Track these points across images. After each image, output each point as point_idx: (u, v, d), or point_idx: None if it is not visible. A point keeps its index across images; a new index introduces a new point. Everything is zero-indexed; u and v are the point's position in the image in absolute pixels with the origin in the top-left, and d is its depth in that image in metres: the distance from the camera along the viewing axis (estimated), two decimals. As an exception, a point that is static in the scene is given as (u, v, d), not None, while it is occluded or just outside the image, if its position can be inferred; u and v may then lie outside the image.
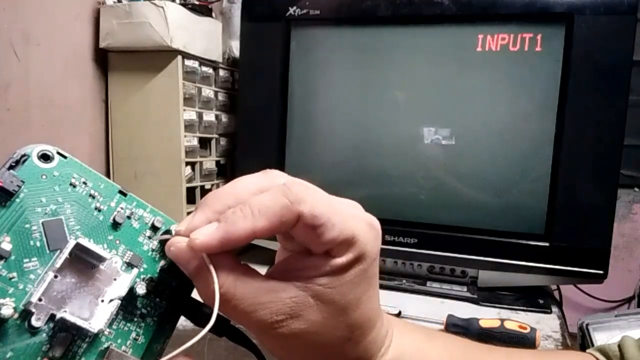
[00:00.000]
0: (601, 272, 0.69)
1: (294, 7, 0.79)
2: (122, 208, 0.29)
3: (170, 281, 0.29)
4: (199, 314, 0.30)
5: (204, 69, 0.84)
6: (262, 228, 0.25)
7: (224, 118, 0.90)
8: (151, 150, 0.80)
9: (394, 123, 0.78)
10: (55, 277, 0.26)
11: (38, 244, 0.26)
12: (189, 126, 0.80)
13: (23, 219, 0.26)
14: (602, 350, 0.40)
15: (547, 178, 0.71)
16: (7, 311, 0.24)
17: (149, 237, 0.30)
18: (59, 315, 0.25)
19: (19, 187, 0.26)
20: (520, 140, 0.73)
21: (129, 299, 0.28)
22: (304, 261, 0.27)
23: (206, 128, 0.85)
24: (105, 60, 0.81)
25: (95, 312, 0.26)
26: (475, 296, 0.73)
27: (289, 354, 0.28)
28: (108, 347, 0.27)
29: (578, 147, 0.68)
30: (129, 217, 0.29)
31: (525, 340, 0.56)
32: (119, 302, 0.27)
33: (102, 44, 0.78)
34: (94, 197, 0.28)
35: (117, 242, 0.28)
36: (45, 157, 0.27)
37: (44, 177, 0.27)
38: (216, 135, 0.88)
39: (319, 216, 0.25)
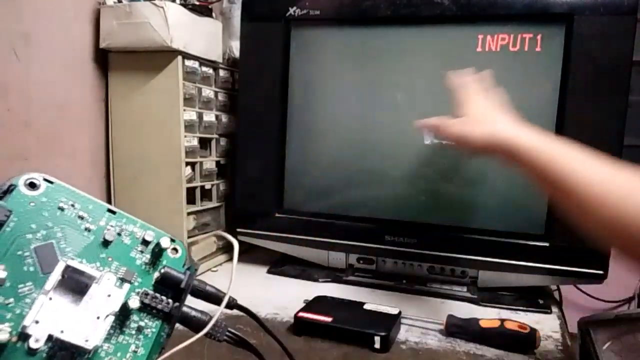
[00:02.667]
0: (601, 272, 0.69)
1: (294, 7, 0.79)
2: (111, 226, 0.30)
3: (165, 292, 0.30)
4: (194, 321, 0.31)
5: (204, 69, 0.84)
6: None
7: (224, 118, 0.90)
8: (151, 150, 0.79)
9: (394, 123, 0.78)
10: (50, 298, 0.27)
11: (32, 268, 0.27)
12: (189, 126, 0.80)
13: (15, 247, 0.27)
14: None
15: (547, 178, 0.71)
16: (3, 336, 0.25)
17: (141, 252, 0.31)
18: (55, 335, 0.26)
19: (7, 216, 0.27)
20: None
21: (125, 313, 0.29)
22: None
23: (206, 128, 0.85)
24: (105, 60, 0.81)
25: (91, 330, 0.27)
26: (475, 296, 0.73)
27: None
28: None
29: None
30: (119, 234, 0.30)
31: (525, 340, 0.56)
32: (113, 317, 0.28)
33: (102, 44, 0.78)
34: (83, 219, 0.29)
35: (110, 259, 0.29)
36: (32, 185, 0.29)
37: (32, 204, 0.28)
38: (216, 136, 0.88)
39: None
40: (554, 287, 0.89)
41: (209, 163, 0.87)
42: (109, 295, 0.28)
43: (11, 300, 0.26)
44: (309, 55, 0.82)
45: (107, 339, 0.28)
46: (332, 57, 0.82)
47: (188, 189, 0.81)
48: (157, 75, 0.78)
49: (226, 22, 0.93)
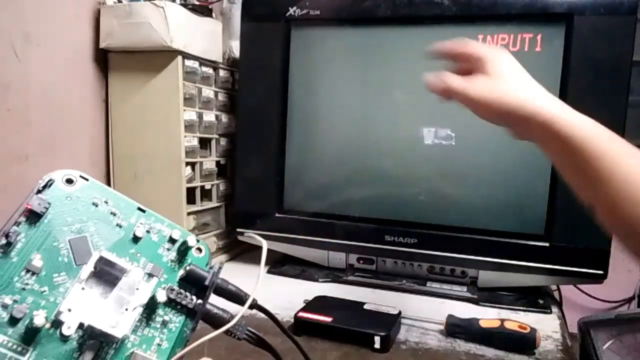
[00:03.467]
0: (601, 272, 0.69)
1: (294, 7, 0.79)
2: (141, 223, 0.32)
3: (189, 288, 0.32)
4: (216, 319, 0.32)
5: (204, 69, 0.84)
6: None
7: (224, 118, 0.90)
8: (151, 150, 0.79)
9: (394, 123, 0.78)
10: (82, 288, 0.28)
11: (66, 259, 0.29)
12: (189, 126, 0.80)
13: (51, 238, 0.29)
14: None
15: (547, 178, 0.71)
16: (40, 320, 0.27)
17: (168, 249, 0.32)
18: (87, 323, 0.28)
19: (46, 208, 0.29)
20: (520, 140, 0.72)
21: (151, 307, 0.30)
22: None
23: (206, 128, 0.85)
24: (105, 60, 0.81)
25: (119, 320, 0.28)
26: (475, 296, 0.73)
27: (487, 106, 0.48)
28: (133, 352, 0.29)
29: (578, 147, 0.68)
30: (148, 232, 0.32)
31: (525, 340, 0.56)
32: (141, 309, 0.29)
33: (102, 44, 0.78)
34: (115, 215, 0.31)
35: (138, 254, 0.31)
36: (69, 181, 0.31)
37: (68, 199, 0.30)
38: (216, 136, 0.88)
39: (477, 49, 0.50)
40: (554, 287, 0.89)
41: (209, 163, 0.87)
42: (138, 289, 0.30)
43: (45, 288, 0.28)
44: (309, 55, 0.82)
45: (134, 331, 0.29)
46: (332, 57, 0.82)
47: (188, 189, 0.81)
48: (157, 75, 0.78)
49: (226, 22, 0.93)
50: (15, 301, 0.27)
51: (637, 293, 1.57)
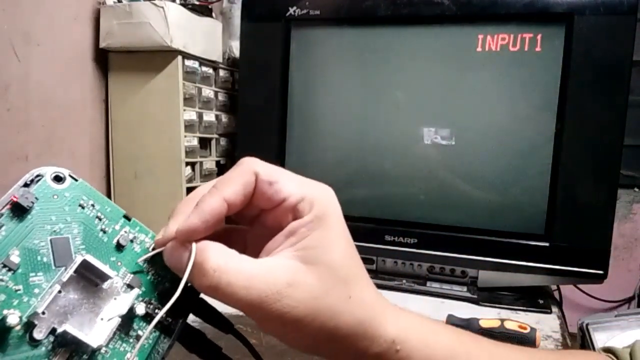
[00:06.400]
0: (601, 272, 0.68)
1: (294, 7, 0.79)
2: (125, 232, 0.30)
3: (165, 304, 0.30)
4: (195, 337, 0.31)
5: (204, 69, 0.84)
6: (230, 193, 0.27)
7: (224, 118, 0.90)
8: (151, 150, 0.79)
9: (393, 123, 0.78)
10: (60, 292, 0.27)
11: (45, 259, 0.27)
12: (189, 126, 0.80)
13: (33, 235, 0.27)
14: (614, 353, 0.40)
15: (547, 178, 0.71)
16: (14, 320, 0.25)
17: (148, 262, 0.31)
18: (60, 329, 0.26)
19: (33, 203, 0.28)
20: (520, 140, 0.73)
21: (127, 319, 0.28)
22: (280, 236, 0.28)
23: (206, 128, 0.85)
24: (105, 60, 0.82)
25: (93, 329, 0.27)
26: (475, 296, 0.73)
27: (295, 329, 0.27)
28: None
29: (578, 147, 0.68)
30: (131, 241, 0.30)
31: (525, 340, 0.56)
32: (119, 320, 0.27)
33: (102, 44, 0.78)
34: (100, 219, 0.30)
35: (119, 263, 0.29)
36: (57, 179, 0.29)
37: (55, 197, 0.29)
38: (216, 135, 0.88)
39: (273, 173, 0.28)
40: (554, 287, 0.89)
41: (209, 163, 0.87)
42: (115, 299, 0.28)
43: (20, 287, 0.26)
44: (309, 55, 0.82)
45: (107, 342, 0.28)
46: (332, 57, 0.82)
47: (188, 189, 0.81)
48: (157, 75, 0.78)
49: (226, 22, 0.93)
50: None
51: (637, 293, 1.57)
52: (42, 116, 0.72)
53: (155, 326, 0.29)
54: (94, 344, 0.26)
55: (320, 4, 0.78)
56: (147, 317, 0.29)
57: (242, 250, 0.28)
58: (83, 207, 0.29)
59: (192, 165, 0.82)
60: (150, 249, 0.31)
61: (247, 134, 0.85)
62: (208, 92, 0.85)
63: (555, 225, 0.70)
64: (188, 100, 0.80)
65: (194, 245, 0.27)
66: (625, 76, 0.66)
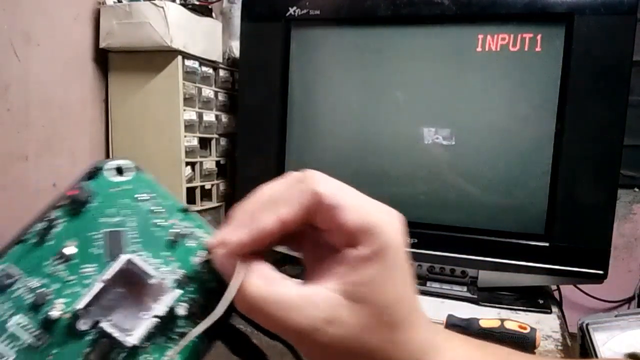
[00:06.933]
0: (601, 272, 0.68)
1: (294, 7, 0.79)
2: (181, 227, 0.30)
3: (214, 304, 0.29)
4: (237, 341, 0.30)
5: (204, 69, 0.84)
6: (286, 214, 0.25)
7: (224, 118, 0.90)
8: (151, 150, 0.80)
9: (394, 123, 0.78)
10: (106, 286, 0.27)
11: (98, 252, 0.28)
12: (189, 126, 0.80)
13: (89, 227, 0.28)
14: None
15: (547, 178, 0.71)
16: (56, 313, 0.26)
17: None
18: (101, 323, 0.27)
19: (90, 197, 0.28)
20: (520, 140, 0.73)
21: (171, 317, 0.28)
22: (331, 261, 0.26)
23: (206, 128, 0.85)
24: (105, 60, 0.81)
25: (136, 325, 0.27)
26: (475, 296, 0.73)
27: None
28: None
29: (578, 147, 0.68)
30: (187, 237, 0.30)
31: (525, 340, 0.56)
32: (158, 319, 0.27)
33: (102, 44, 0.78)
34: (156, 213, 0.30)
35: (171, 259, 0.29)
36: (118, 171, 0.30)
37: (113, 189, 0.29)
38: (216, 135, 0.88)
39: (337, 196, 0.25)
40: (554, 287, 0.89)
41: (209, 163, 0.87)
42: (162, 296, 0.28)
43: (73, 278, 0.27)
44: (309, 55, 0.82)
45: (148, 338, 0.28)
46: (332, 57, 0.82)
47: (188, 189, 0.81)
48: (157, 75, 0.78)
49: (226, 22, 0.93)
50: (41, 285, 0.27)
51: (637, 293, 1.57)
52: (42, 116, 0.72)
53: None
54: (128, 343, 0.27)
55: (320, 4, 0.78)
56: (191, 317, 0.29)
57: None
58: (141, 200, 0.30)
59: (192, 165, 0.82)
60: (204, 250, 0.30)
61: (247, 134, 0.85)
62: (208, 92, 0.85)
63: (555, 225, 0.70)
64: (188, 100, 0.80)
65: (238, 264, 0.26)
66: (625, 76, 0.66)
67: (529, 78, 0.72)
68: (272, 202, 0.26)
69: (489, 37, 0.72)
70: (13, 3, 0.67)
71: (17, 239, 0.28)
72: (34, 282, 0.27)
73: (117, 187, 0.29)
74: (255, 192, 0.29)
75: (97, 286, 0.27)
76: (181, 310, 0.28)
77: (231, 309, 0.28)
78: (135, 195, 0.30)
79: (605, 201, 0.68)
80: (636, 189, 1.64)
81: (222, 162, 0.91)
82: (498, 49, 0.71)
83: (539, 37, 0.70)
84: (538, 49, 0.70)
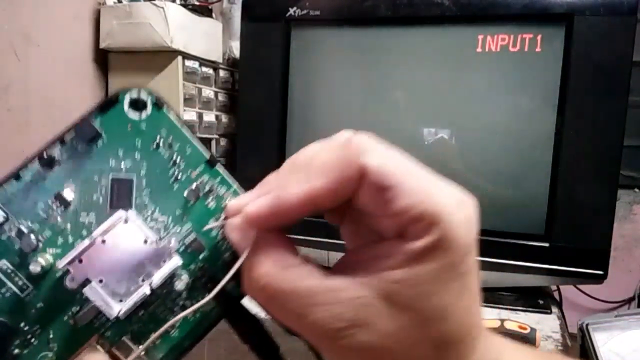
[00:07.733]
0: (601, 272, 0.68)
1: (294, 8, 0.79)
2: (202, 181, 0.25)
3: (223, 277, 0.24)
4: (247, 325, 0.26)
5: (204, 69, 0.84)
6: (319, 188, 0.20)
7: (224, 118, 0.90)
8: (151, 151, 0.80)
9: (394, 123, 0.78)
10: (103, 241, 0.23)
11: (101, 199, 0.24)
12: (189, 126, 0.81)
13: (93, 170, 0.24)
14: None
15: (547, 178, 0.71)
16: (36, 267, 0.23)
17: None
18: (91, 282, 0.23)
19: (100, 133, 0.24)
20: (520, 140, 0.73)
21: (171, 288, 0.24)
22: (372, 249, 0.20)
23: (206, 128, 0.85)
24: (105, 60, 0.82)
25: (131, 291, 0.23)
26: (475, 296, 0.73)
27: None
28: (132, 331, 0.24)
29: (578, 147, 0.68)
30: (206, 194, 0.25)
31: (525, 341, 0.56)
32: (146, 293, 0.23)
33: (102, 45, 0.78)
34: (175, 162, 0.25)
35: (184, 218, 0.24)
36: (136, 106, 0.24)
37: (129, 127, 0.24)
38: (216, 136, 0.88)
39: (388, 173, 0.19)
40: (554, 287, 0.89)
41: (209, 163, 0.87)
42: (164, 261, 0.23)
43: (68, 225, 0.23)
44: (309, 55, 0.82)
45: (146, 306, 0.24)
46: (332, 57, 0.82)
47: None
48: (157, 76, 0.78)
49: (226, 23, 0.93)
50: (32, 230, 0.23)
51: (637, 293, 1.57)
52: (42, 116, 0.72)
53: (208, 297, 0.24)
54: (111, 314, 0.23)
55: (320, 4, 0.78)
56: (197, 290, 0.24)
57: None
58: (158, 145, 0.24)
59: (192, 165, 0.82)
60: (224, 210, 0.25)
61: (247, 134, 0.85)
62: (208, 92, 0.85)
63: (555, 225, 0.70)
64: (188, 101, 0.80)
65: (251, 239, 0.22)
66: (625, 76, 0.66)
67: (528, 79, 0.72)
68: (306, 168, 0.21)
69: (489, 37, 0.72)
70: (13, 3, 0.67)
71: (11, 174, 0.24)
72: (23, 227, 0.23)
73: (134, 125, 0.24)
74: (298, 152, 0.24)
75: (83, 243, 0.23)
76: (179, 284, 0.24)
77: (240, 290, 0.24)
78: (155, 139, 0.24)
79: (605, 202, 0.68)
80: (636, 190, 1.64)
81: (222, 162, 0.91)
82: (498, 49, 0.71)
83: (539, 37, 0.70)
84: (538, 49, 0.70)
